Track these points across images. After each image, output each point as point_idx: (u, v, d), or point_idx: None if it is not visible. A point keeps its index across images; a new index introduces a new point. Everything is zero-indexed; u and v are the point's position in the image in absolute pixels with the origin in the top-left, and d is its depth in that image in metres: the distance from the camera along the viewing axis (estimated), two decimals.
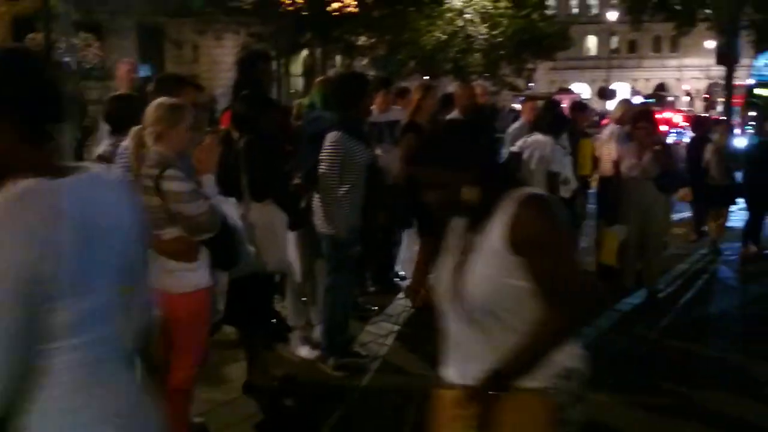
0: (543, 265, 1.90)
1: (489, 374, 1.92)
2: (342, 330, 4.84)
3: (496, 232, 1.93)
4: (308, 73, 26.70)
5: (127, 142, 3.39)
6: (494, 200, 1.96)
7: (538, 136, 6.60)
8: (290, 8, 21.88)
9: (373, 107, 6.43)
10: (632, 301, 6.66)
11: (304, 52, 28.05)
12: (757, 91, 24.59)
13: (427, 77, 28.38)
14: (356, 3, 23.58)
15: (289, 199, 4.44)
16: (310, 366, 4.80)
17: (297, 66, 29.05)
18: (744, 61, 17.58)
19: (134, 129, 3.32)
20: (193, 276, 3.25)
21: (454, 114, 6.41)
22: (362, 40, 26.06)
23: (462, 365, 2.04)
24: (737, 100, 21.71)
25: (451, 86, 7.97)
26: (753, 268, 8.28)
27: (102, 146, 4.20)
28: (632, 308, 6.48)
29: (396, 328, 5.73)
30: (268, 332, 4.54)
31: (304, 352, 4.94)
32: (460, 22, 28.44)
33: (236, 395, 4.33)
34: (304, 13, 22.69)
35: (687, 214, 10.27)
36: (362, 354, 5.02)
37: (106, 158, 3.84)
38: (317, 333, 5.00)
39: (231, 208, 3.50)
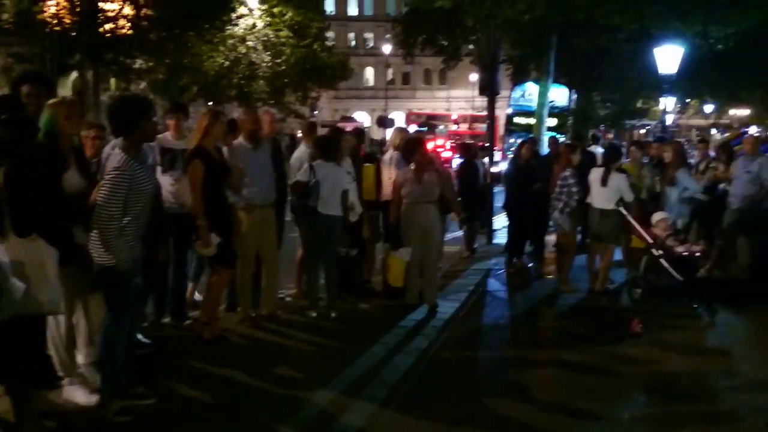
0: None
1: None
2: (123, 370, 4.52)
3: None
4: (79, 96, 24.91)
5: None
6: None
7: (321, 162, 6.81)
8: (57, 28, 20.26)
9: (168, 133, 6.23)
10: (415, 318, 7.01)
11: (74, 74, 26.17)
12: (515, 119, 27.33)
13: (211, 103, 27.85)
14: (131, 25, 22.51)
15: (60, 232, 4.04)
16: (88, 413, 4.41)
17: (67, 89, 27.02)
18: (504, 92, 19.46)
19: None
20: None
21: (240, 140, 6.35)
22: (139, 63, 24.88)
23: None
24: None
25: (236, 112, 7.86)
26: (518, 281, 9.12)
27: None
28: (416, 324, 6.82)
29: (185, 362, 5.50)
30: (37, 379, 4.07)
31: (81, 397, 4.54)
32: (243, 49, 28.28)
33: None
34: (72, 34, 21.16)
35: (460, 233, 11.08)
36: (146, 394, 4.68)
37: None
38: (91, 374, 4.62)
39: None
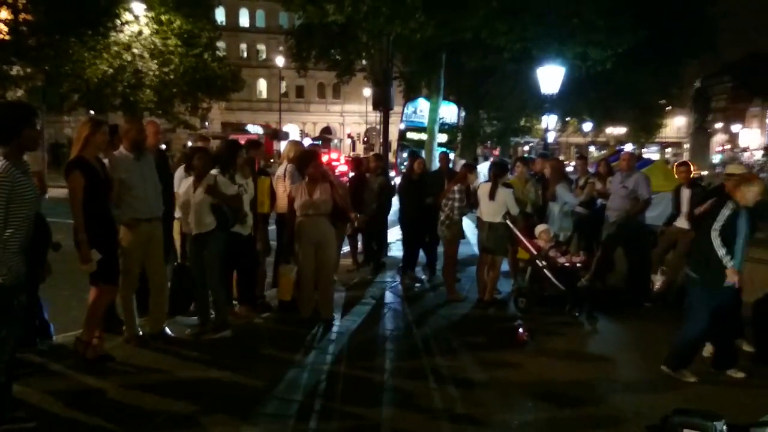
0: None
1: None
2: (4, 393, 4.21)
3: None
4: None
5: None
6: None
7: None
8: None
9: None
10: (310, 332, 6.96)
11: None
12: (408, 135, 27.80)
13: (92, 112, 26.66)
14: (8, 30, 21.27)
15: None
16: None
17: None
18: (397, 108, 19.78)
19: None
20: None
21: (122, 150, 6.07)
22: (16, 69, 23.48)
23: None
24: None
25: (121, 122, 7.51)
26: (412, 293, 9.25)
27: None
28: (311, 338, 6.78)
29: (66, 385, 5.21)
30: None
31: None
32: (128, 57, 27.22)
33: None
34: None
35: (346, 248, 11.09)
36: (27, 419, 4.42)
37: None
38: None
39: None
